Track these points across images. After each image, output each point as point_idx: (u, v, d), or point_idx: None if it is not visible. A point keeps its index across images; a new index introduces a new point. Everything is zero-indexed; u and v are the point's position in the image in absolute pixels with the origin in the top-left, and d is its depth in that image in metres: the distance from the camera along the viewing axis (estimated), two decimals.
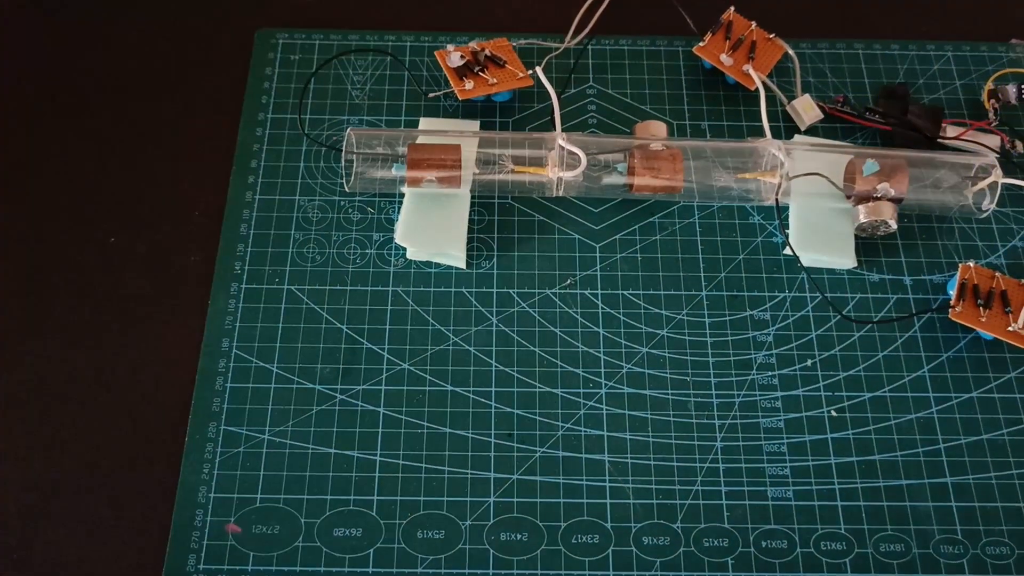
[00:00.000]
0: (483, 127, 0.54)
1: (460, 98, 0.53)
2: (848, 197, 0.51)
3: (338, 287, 0.50)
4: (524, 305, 0.49)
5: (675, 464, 0.45)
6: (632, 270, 0.51)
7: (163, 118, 0.55)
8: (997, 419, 0.47)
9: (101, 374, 0.47)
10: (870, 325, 0.49)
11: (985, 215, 0.51)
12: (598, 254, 0.51)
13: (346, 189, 0.51)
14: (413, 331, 0.48)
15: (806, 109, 0.55)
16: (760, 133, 0.52)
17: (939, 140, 0.54)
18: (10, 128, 0.54)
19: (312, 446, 0.45)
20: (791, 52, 0.56)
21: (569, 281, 0.50)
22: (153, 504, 0.44)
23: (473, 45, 0.54)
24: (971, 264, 0.49)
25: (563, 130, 0.52)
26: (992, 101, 0.55)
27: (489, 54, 0.54)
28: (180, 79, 0.56)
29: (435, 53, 0.55)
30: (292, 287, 0.50)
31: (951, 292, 0.49)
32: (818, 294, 0.50)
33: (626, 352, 0.48)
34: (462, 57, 0.54)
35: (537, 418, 0.46)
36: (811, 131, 0.55)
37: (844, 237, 0.51)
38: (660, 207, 0.53)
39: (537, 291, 0.50)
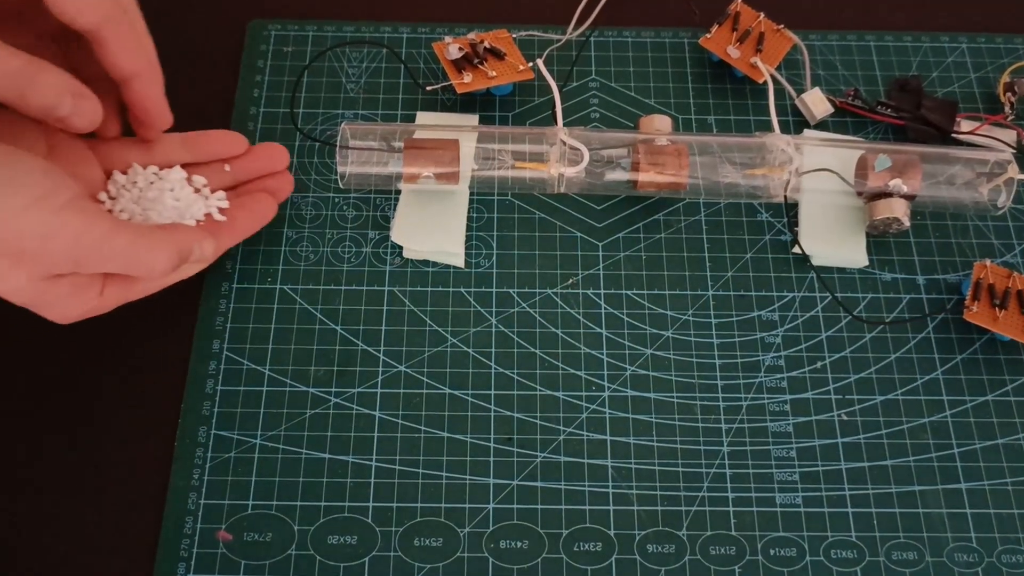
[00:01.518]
0: (482, 121, 0.54)
1: (458, 91, 0.53)
2: (859, 194, 0.51)
3: (332, 287, 0.50)
4: (524, 305, 0.49)
5: (680, 469, 0.45)
6: (636, 269, 0.51)
7: None
8: (1013, 423, 0.47)
9: (87, 376, 0.47)
10: (882, 326, 0.49)
11: (1001, 212, 0.51)
12: (601, 253, 0.51)
13: (340, 185, 0.51)
14: (410, 332, 0.48)
15: (816, 103, 0.55)
16: (768, 128, 0.52)
17: (953, 135, 0.54)
18: None
19: (305, 451, 0.45)
20: (800, 44, 0.56)
21: (571, 280, 0.50)
22: (141, 511, 0.44)
23: (472, 37, 0.54)
24: (986, 263, 0.49)
25: (565, 124, 0.52)
26: (1008, 95, 0.55)
27: (488, 46, 0.54)
28: (170, 71, 0.56)
29: (432, 45, 0.55)
30: (285, 287, 0.50)
31: (966, 292, 0.49)
32: (828, 294, 0.50)
33: (629, 354, 0.48)
34: (460, 49, 0.54)
35: (538, 422, 0.46)
36: (821, 126, 0.55)
37: (855, 235, 0.51)
38: (665, 204, 0.53)
39: (538, 291, 0.50)
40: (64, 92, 0.41)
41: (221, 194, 0.48)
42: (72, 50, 0.44)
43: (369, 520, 0.44)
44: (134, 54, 0.42)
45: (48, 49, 0.44)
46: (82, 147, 0.43)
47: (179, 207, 0.46)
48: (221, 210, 0.47)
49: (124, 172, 0.47)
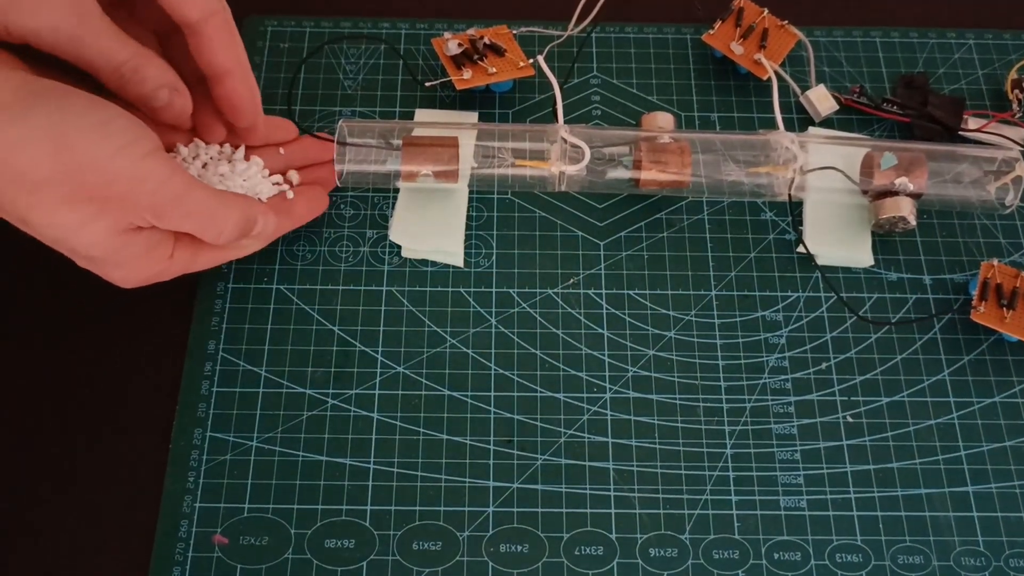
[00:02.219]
0: (482, 119, 0.54)
1: (458, 88, 0.53)
2: (865, 192, 0.51)
3: (330, 287, 0.50)
4: (524, 305, 0.49)
5: (683, 472, 0.45)
6: (638, 269, 0.51)
7: None
8: (1021, 425, 0.47)
9: (79, 379, 0.47)
10: (888, 327, 0.49)
11: (1009, 211, 0.51)
12: (602, 252, 0.51)
13: (337, 184, 0.51)
14: (408, 333, 0.48)
15: (821, 100, 0.55)
16: (772, 125, 0.52)
17: (960, 132, 0.54)
18: None
19: (302, 453, 0.45)
20: (805, 40, 0.56)
21: (572, 280, 0.50)
22: (135, 514, 0.44)
23: (471, 32, 0.54)
24: (994, 262, 0.49)
25: (566, 122, 0.52)
26: (1016, 92, 0.55)
27: (488, 42, 0.54)
28: None
29: (432, 41, 0.55)
30: (281, 287, 0.50)
31: (973, 292, 0.49)
32: (833, 294, 0.50)
33: (632, 355, 0.48)
34: (460, 45, 0.53)
35: (538, 424, 0.46)
36: (826, 123, 0.55)
37: (860, 234, 0.51)
38: (667, 203, 0.53)
39: (538, 291, 0.50)
40: (163, 86, 0.43)
41: (278, 177, 0.49)
42: (170, 47, 0.46)
43: (367, 524, 0.44)
44: (229, 50, 0.44)
45: (150, 42, 0.46)
46: (145, 118, 0.44)
47: (247, 186, 0.47)
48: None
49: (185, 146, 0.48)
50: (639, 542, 0.44)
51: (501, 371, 0.48)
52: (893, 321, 0.50)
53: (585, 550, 0.44)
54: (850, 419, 0.47)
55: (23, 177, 0.37)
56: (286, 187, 0.49)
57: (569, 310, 0.49)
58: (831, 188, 0.51)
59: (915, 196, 0.50)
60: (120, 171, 0.38)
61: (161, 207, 0.40)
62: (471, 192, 0.52)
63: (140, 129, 0.40)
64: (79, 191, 0.38)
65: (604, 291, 0.50)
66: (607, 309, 0.49)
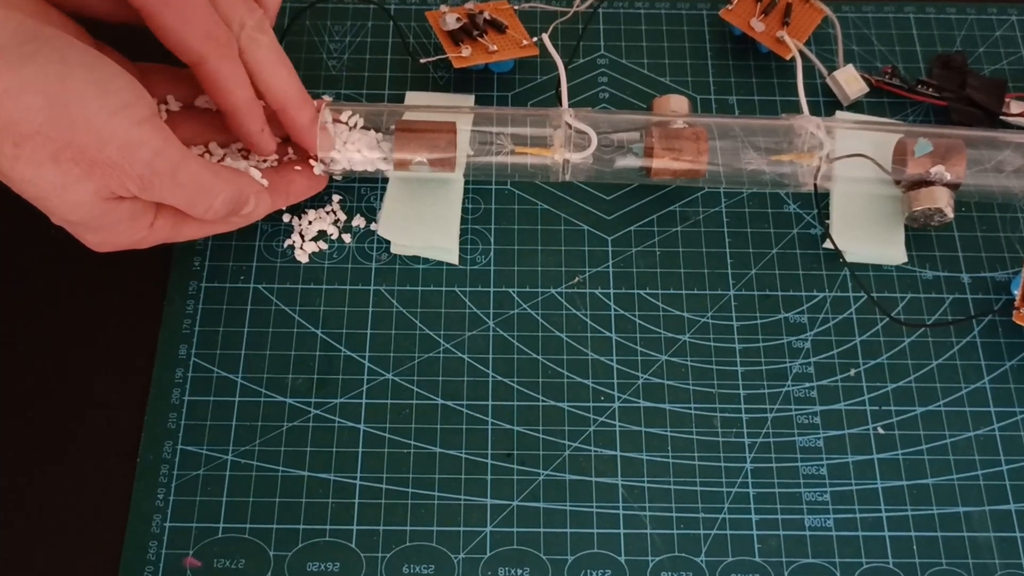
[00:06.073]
0: (479, 102, 0.54)
1: (455, 66, 0.53)
2: (897, 182, 0.50)
3: (312, 286, 0.49)
4: (525, 306, 0.49)
5: (698, 489, 0.45)
6: (649, 266, 0.50)
7: None
8: None
9: (40, 384, 0.47)
10: (922, 329, 0.49)
11: None
12: (610, 248, 0.51)
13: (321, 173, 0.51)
14: (398, 336, 0.48)
15: (849, 82, 0.55)
16: (796, 109, 0.52)
17: (1002, 117, 0.54)
18: None
19: (282, 468, 0.45)
20: (832, 16, 0.55)
21: (577, 279, 0.50)
22: (100, 535, 0.44)
23: (470, 6, 0.54)
24: None
25: (571, 105, 0.52)
26: None
27: (488, 17, 0.54)
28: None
29: (426, 15, 0.54)
30: (259, 286, 0.49)
31: (1015, 291, 0.49)
32: (863, 294, 0.50)
33: (642, 360, 0.48)
34: (458, 19, 0.53)
35: (540, 436, 0.46)
36: (855, 107, 0.55)
37: (893, 228, 0.51)
38: (681, 194, 0.53)
39: (540, 290, 0.50)
40: None
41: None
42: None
43: (353, 545, 0.44)
44: (222, 92, 0.45)
45: None
46: (141, 79, 0.44)
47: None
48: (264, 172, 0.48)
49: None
50: (650, 565, 0.44)
51: (499, 378, 0.47)
52: (928, 323, 0.49)
53: (591, 573, 0.44)
54: (881, 430, 0.47)
55: (12, 126, 0.37)
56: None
57: (574, 311, 0.49)
58: (860, 178, 0.51)
59: (952, 186, 0.50)
60: (115, 134, 0.39)
61: (152, 177, 0.40)
62: (467, 182, 0.52)
63: (138, 91, 0.40)
64: (68, 150, 0.38)
65: (612, 291, 0.50)
66: (615, 310, 0.49)
